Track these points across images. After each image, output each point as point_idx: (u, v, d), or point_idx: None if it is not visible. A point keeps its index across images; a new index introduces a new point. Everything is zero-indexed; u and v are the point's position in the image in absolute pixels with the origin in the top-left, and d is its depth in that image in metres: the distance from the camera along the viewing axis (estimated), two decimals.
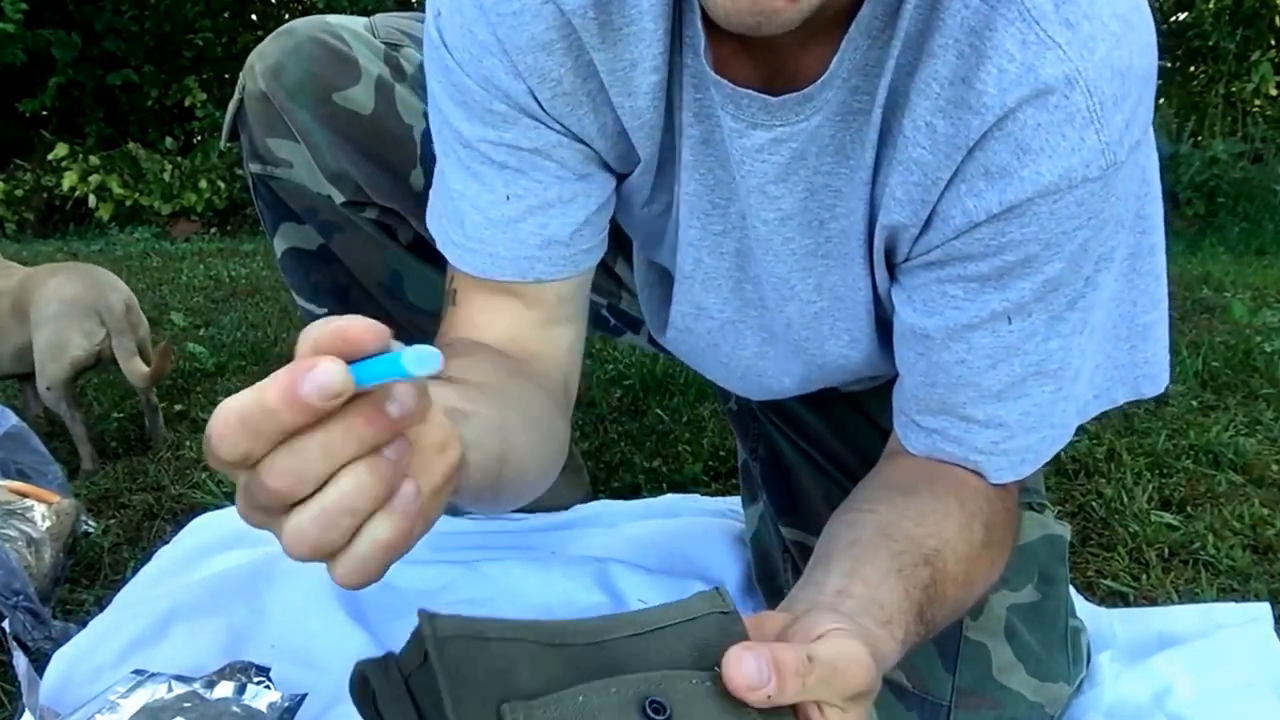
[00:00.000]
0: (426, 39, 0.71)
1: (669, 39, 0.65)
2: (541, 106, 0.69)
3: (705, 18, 0.61)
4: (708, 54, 0.63)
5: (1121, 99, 0.59)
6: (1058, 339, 0.67)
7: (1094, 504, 1.40)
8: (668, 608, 0.49)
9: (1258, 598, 1.14)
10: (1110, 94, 0.58)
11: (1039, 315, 0.65)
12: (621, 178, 0.77)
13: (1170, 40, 6.30)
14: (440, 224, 0.76)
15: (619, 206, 0.79)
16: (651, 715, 0.44)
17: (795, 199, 0.69)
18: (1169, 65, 6.33)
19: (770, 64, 0.64)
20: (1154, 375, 0.76)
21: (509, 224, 0.71)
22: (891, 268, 0.72)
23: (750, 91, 0.63)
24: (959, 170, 0.62)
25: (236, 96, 1.00)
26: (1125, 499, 1.40)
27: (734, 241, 0.74)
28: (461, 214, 0.73)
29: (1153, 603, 1.15)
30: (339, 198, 0.98)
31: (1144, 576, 1.21)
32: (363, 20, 1.01)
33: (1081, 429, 1.66)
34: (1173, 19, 6.33)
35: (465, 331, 0.74)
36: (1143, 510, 1.37)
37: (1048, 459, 0.74)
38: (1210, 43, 5.84)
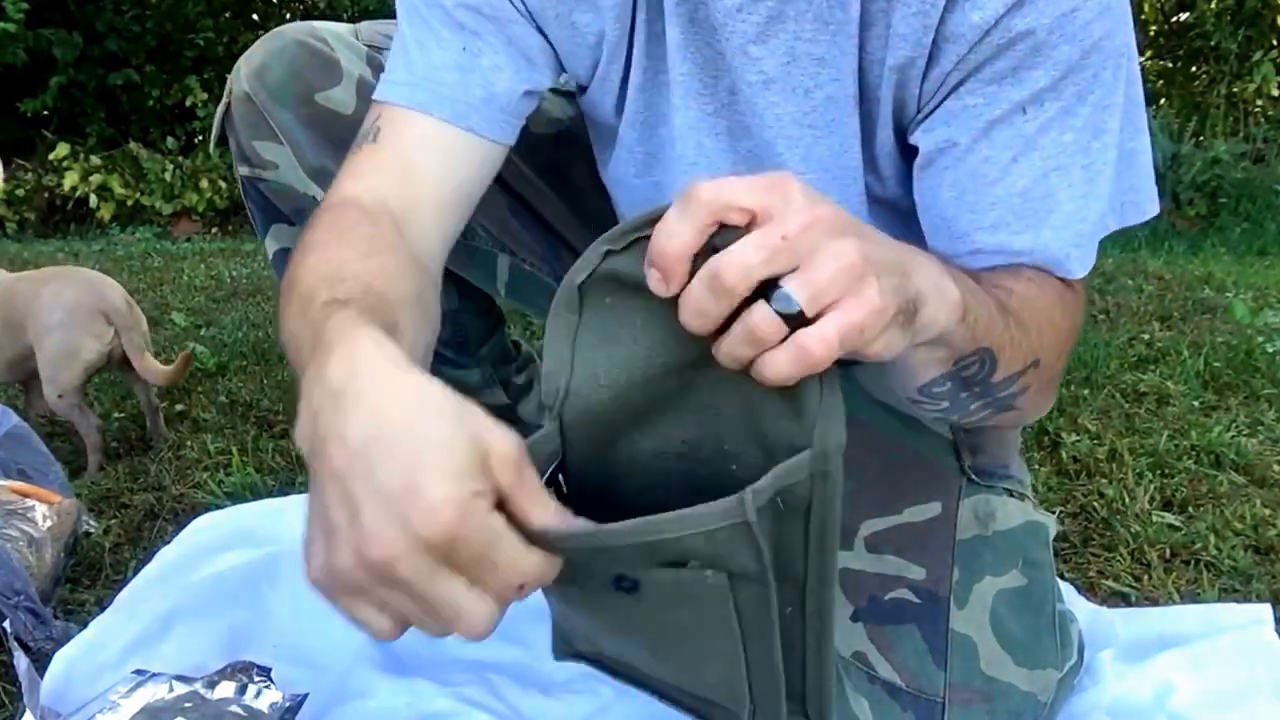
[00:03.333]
0: None
1: None
2: None
3: None
4: None
5: None
6: (1071, 133, 0.70)
7: (1095, 504, 1.40)
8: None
9: (1259, 598, 1.14)
10: None
11: (1051, 105, 0.69)
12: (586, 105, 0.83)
13: (1171, 40, 6.31)
14: (386, 79, 0.81)
15: (609, 161, 0.85)
16: (618, 588, 0.46)
17: (776, 62, 0.73)
18: (1170, 65, 6.33)
19: None
20: (1139, 203, 0.78)
21: (459, 70, 0.77)
22: (902, 129, 0.75)
23: None
24: None
25: (224, 100, 1.02)
26: (1127, 499, 1.40)
27: (725, 120, 0.79)
28: (411, 60, 0.78)
29: (1154, 603, 1.15)
30: (321, 195, 1.00)
31: (1145, 577, 1.21)
32: (347, 26, 1.04)
33: (1082, 429, 1.67)
34: (1174, 19, 6.33)
35: (387, 163, 0.77)
36: (1144, 511, 1.37)
37: (1089, 263, 0.75)
38: (1212, 43, 5.84)
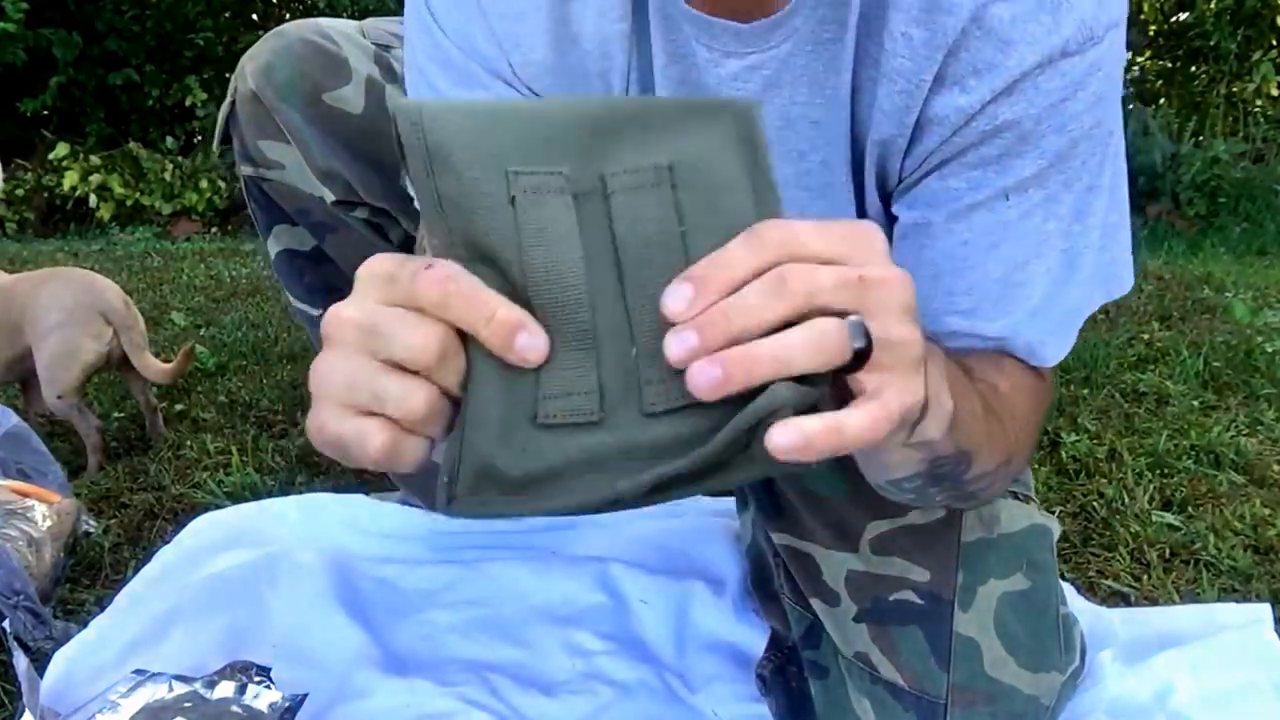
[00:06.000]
0: (410, 3, 0.75)
1: None
2: (514, 71, 0.73)
3: None
4: None
5: None
6: (1054, 221, 0.68)
7: (1095, 504, 1.40)
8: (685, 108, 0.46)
9: (1259, 598, 1.14)
10: None
11: (1036, 193, 0.67)
12: None
13: (1171, 40, 6.31)
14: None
15: None
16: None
17: (771, 126, 0.72)
18: (1170, 65, 6.33)
19: (739, 8, 0.68)
20: (1120, 276, 0.76)
21: None
22: (887, 197, 0.74)
23: (721, 20, 0.67)
24: (943, 73, 0.65)
25: (228, 99, 1.00)
26: (1126, 499, 1.40)
27: None
28: None
29: (1154, 603, 1.15)
30: (330, 197, 0.99)
31: (1145, 577, 1.21)
32: (354, 23, 1.02)
33: (1082, 429, 1.67)
34: (1173, 19, 6.33)
35: None
36: (1144, 510, 1.37)
37: (1064, 349, 0.74)
38: (1211, 43, 5.85)
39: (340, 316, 0.42)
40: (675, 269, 0.43)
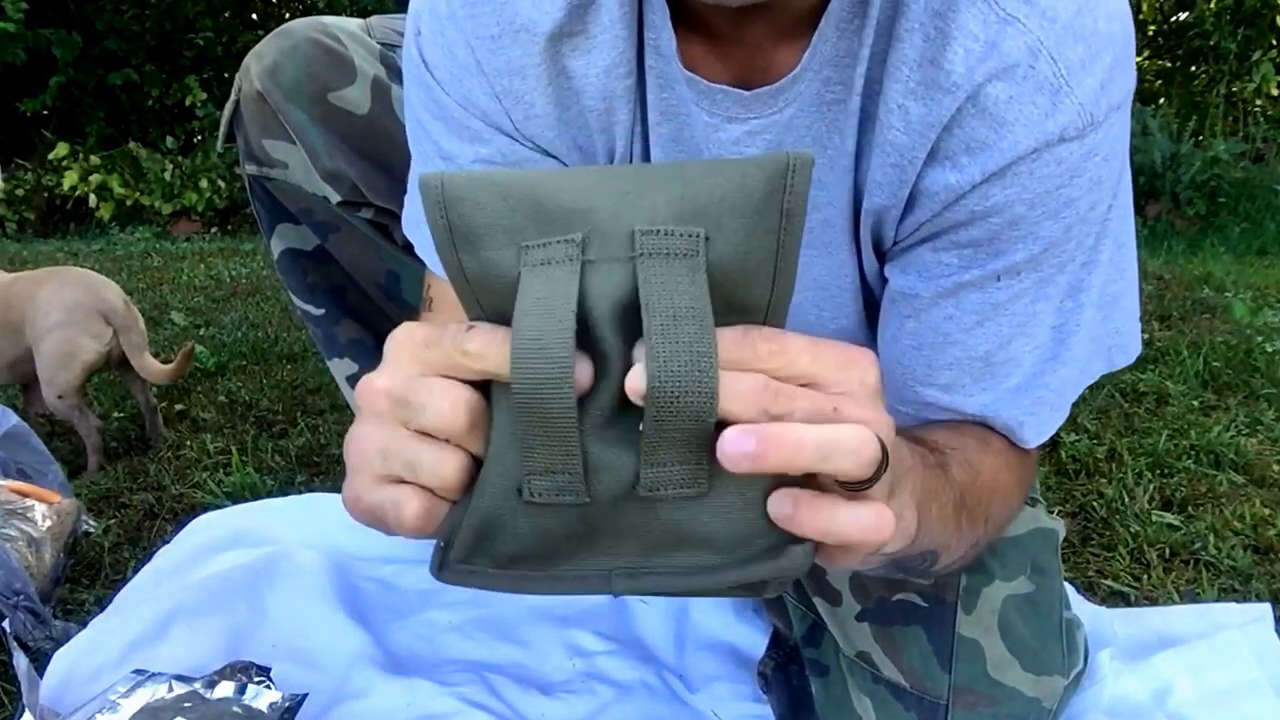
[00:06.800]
0: (406, 56, 0.74)
1: (636, 44, 0.67)
2: (515, 125, 0.72)
3: (675, 19, 0.64)
4: (679, 54, 0.66)
5: (1090, 62, 0.60)
6: (1045, 301, 0.67)
7: (1095, 504, 1.40)
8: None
9: (1259, 598, 1.14)
10: (1076, 59, 0.60)
11: (1028, 276, 0.66)
12: None
13: (1171, 40, 6.31)
14: (418, 229, 0.78)
15: None
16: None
17: None
18: (1169, 65, 6.34)
19: (742, 63, 0.66)
20: (1125, 346, 0.75)
21: None
22: (881, 254, 0.73)
23: (724, 87, 0.66)
24: (936, 148, 0.64)
25: (233, 98, 1.00)
26: (1126, 499, 1.40)
27: None
28: None
29: (1154, 603, 1.15)
30: (335, 197, 0.99)
31: (1145, 577, 1.21)
32: (358, 21, 1.02)
33: (1082, 429, 1.67)
34: (1173, 19, 6.34)
35: None
36: (1144, 510, 1.37)
37: (1049, 429, 0.73)
38: (1211, 42, 5.85)
39: (373, 387, 0.42)
40: (706, 348, 0.40)
